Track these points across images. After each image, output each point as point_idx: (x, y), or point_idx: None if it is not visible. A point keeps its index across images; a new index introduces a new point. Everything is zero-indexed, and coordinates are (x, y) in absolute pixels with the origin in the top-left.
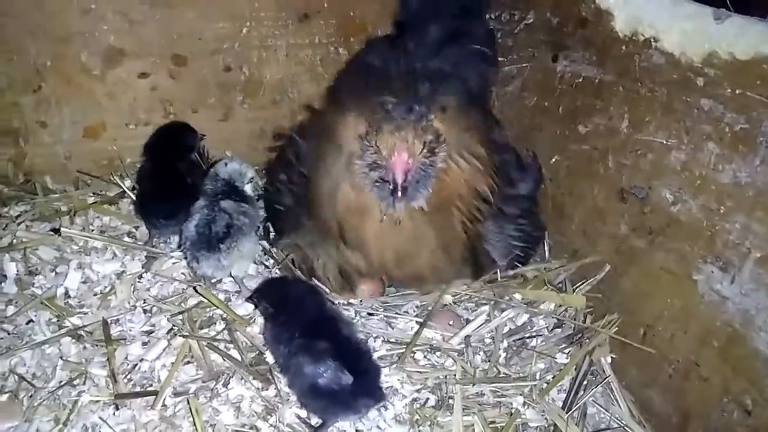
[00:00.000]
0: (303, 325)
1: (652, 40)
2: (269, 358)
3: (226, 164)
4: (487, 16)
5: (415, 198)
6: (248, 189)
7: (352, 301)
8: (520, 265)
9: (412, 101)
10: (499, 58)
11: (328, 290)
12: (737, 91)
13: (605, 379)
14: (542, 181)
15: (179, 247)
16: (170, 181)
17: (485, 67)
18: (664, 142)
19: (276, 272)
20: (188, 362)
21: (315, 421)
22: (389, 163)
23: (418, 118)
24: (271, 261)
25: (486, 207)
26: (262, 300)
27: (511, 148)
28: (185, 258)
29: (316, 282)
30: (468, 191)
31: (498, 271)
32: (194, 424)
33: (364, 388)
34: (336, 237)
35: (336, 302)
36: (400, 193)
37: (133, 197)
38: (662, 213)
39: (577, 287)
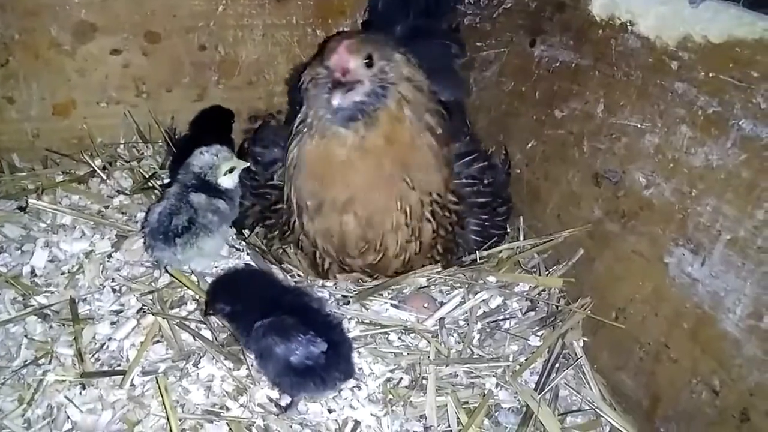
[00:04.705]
0: (264, 307)
1: (628, 24)
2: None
3: (201, 153)
4: (465, 2)
5: (358, 115)
6: (225, 182)
7: (327, 283)
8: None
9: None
10: (477, 44)
11: (301, 273)
12: (710, 75)
13: (577, 361)
14: (508, 183)
15: (142, 227)
16: None
17: (452, 60)
18: (639, 125)
19: (247, 254)
20: (158, 341)
21: (285, 402)
22: (330, 64)
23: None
24: (243, 243)
25: (448, 201)
26: (217, 303)
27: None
28: (144, 242)
29: (288, 266)
30: (431, 182)
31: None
32: (163, 404)
33: (335, 362)
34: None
35: (311, 284)
36: (339, 86)
37: (104, 176)
38: (635, 197)
39: (550, 271)
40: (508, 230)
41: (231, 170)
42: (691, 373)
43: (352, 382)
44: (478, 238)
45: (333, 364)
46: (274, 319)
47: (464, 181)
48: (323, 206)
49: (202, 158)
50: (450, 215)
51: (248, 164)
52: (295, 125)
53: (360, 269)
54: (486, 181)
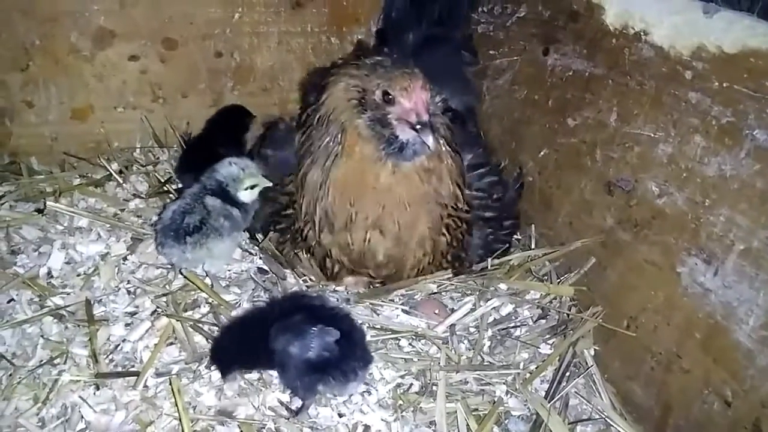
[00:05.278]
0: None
1: (642, 33)
2: None
3: (230, 164)
4: (479, 11)
5: (426, 150)
6: (244, 196)
7: (338, 288)
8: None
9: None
10: (490, 52)
11: (313, 279)
12: (724, 84)
13: (588, 370)
14: (517, 201)
15: (154, 225)
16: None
17: (463, 68)
18: (652, 135)
19: (260, 258)
20: (171, 343)
21: (295, 405)
22: (408, 104)
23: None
24: (256, 248)
25: (461, 212)
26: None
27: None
28: (155, 239)
29: (299, 270)
30: (451, 196)
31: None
32: (176, 405)
33: (351, 351)
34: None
35: (323, 289)
36: (429, 128)
37: (120, 180)
38: (648, 206)
39: (562, 279)
40: (512, 244)
41: (252, 186)
42: (703, 384)
43: (363, 387)
44: (481, 250)
45: (349, 353)
46: (283, 322)
47: (474, 193)
48: (350, 223)
49: (229, 169)
50: (461, 225)
51: (271, 184)
52: (318, 145)
53: (368, 275)
54: (495, 196)
